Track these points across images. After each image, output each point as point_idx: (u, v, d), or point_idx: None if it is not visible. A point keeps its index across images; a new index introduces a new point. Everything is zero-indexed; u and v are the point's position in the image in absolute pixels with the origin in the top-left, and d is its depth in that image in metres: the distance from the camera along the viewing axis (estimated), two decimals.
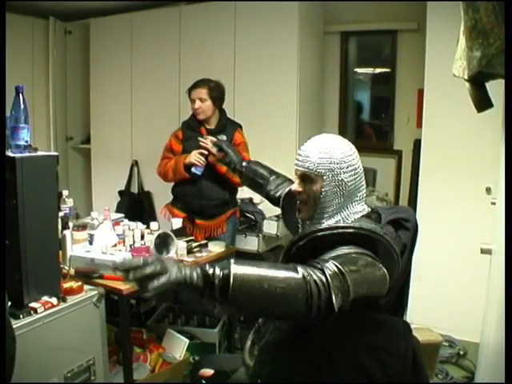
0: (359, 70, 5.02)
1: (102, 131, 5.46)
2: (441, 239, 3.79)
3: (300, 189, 1.69)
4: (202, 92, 3.55)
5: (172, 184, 3.73)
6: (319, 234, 1.52)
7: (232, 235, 3.82)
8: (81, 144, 5.85)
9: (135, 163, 5.18)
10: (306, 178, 1.66)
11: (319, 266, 1.37)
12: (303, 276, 1.32)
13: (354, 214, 1.66)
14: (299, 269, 1.35)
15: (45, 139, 5.42)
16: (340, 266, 1.37)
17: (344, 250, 1.46)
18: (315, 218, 1.68)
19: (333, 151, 1.64)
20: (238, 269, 1.32)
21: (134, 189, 5.20)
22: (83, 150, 5.83)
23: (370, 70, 5.00)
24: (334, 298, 1.31)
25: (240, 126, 3.72)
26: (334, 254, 1.45)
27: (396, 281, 1.56)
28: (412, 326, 1.68)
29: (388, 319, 1.59)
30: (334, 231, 1.52)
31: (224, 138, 3.55)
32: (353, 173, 1.65)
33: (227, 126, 3.64)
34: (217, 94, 3.60)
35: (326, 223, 1.65)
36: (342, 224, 1.59)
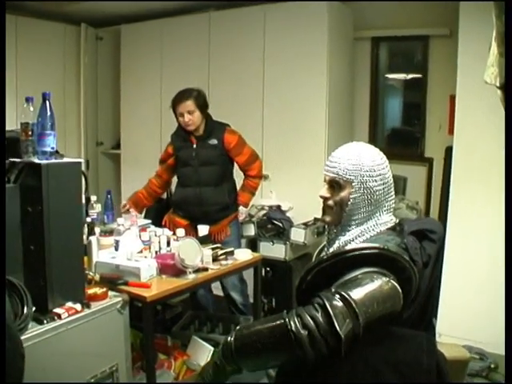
0: (390, 76, 4.97)
1: (132, 137, 5.50)
2: (472, 250, 3.70)
3: (327, 194, 1.69)
4: (189, 105, 3.57)
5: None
6: (324, 264, 1.54)
7: (237, 238, 3.85)
8: (111, 149, 5.92)
9: None
10: (334, 183, 1.66)
11: (317, 301, 1.40)
12: (285, 325, 1.39)
13: (380, 224, 1.65)
14: (285, 317, 1.42)
15: (75, 144, 5.49)
16: (342, 292, 1.38)
17: (351, 274, 1.47)
18: (342, 224, 1.68)
19: (363, 159, 1.63)
20: (238, 330, 1.52)
21: (163, 194, 5.22)
22: (113, 155, 5.89)
23: (401, 76, 4.94)
24: (337, 326, 1.33)
25: (228, 126, 3.72)
26: (340, 281, 1.46)
27: (419, 293, 1.54)
28: (439, 341, 1.63)
29: (408, 333, 1.55)
30: (339, 257, 1.52)
31: (215, 141, 3.56)
32: (382, 182, 1.64)
33: (215, 130, 3.65)
34: (202, 101, 3.63)
35: (353, 232, 1.65)
36: (347, 247, 1.58)
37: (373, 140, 4.82)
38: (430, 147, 4.63)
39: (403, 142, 4.95)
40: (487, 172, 3.65)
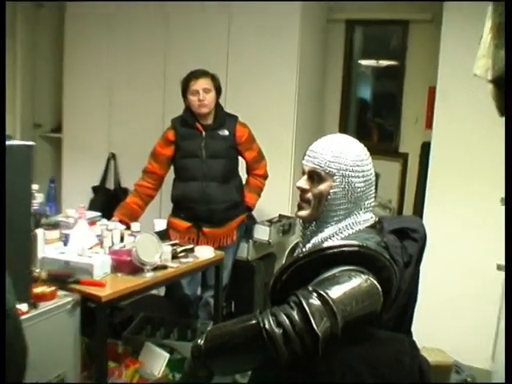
0: (364, 63, 5.05)
1: (76, 119, 5.41)
2: (450, 254, 3.78)
3: (306, 186, 1.72)
4: (207, 82, 3.55)
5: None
6: (300, 262, 1.60)
7: (238, 244, 3.89)
8: (50, 132, 5.82)
9: (112, 156, 5.18)
10: (314, 175, 1.70)
11: (293, 299, 1.46)
12: (258, 323, 1.45)
13: (359, 222, 1.69)
14: (259, 315, 1.47)
15: (9, 125, 5.36)
16: (320, 290, 1.45)
17: (329, 272, 1.53)
18: (320, 220, 1.72)
19: (347, 152, 1.68)
20: (208, 332, 1.59)
21: (110, 185, 5.19)
22: (53, 140, 5.79)
23: (376, 63, 5.02)
24: (314, 324, 1.39)
25: (238, 117, 3.74)
26: (317, 279, 1.52)
27: (399, 294, 1.61)
28: (420, 346, 1.72)
29: (389, 335, 1.62)
30: (316, 255, 1.58)
31: (226, 133, 3.58)
32: (364, 179, 1.68)
33: (226, 121, 3.66)
34: (218, 84, 3.63)
35: (331, 229, 1.69)
36: (324, 244, 1.65)
37: (343, 132, 4.88)
38: (405, 142, 4.74)
39: (376, 135, 5.06)
40: (467, 170, 3.75)
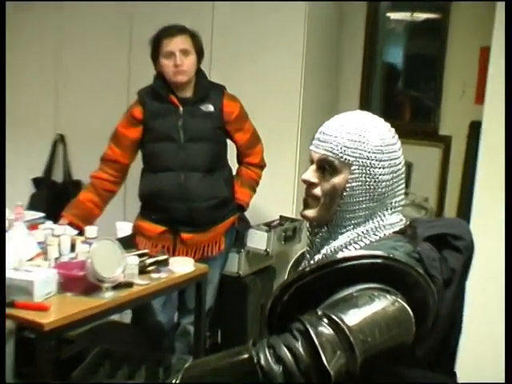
0: (394, 16, 5.05)
1: (11, 90, 5.38)
2: (503, 265, 3.77)
3: (314, 180, 1.71)
4: (185, 42, 3.55)
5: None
6: (307, 278, 1.59)
7: (227, 254, 3.90)
8: None
9: (60, 139, 5.19)
10: (325, 165, 1.68)
11: (297, 327, 1.45)
12: (252, 358, 1.44)
13: (385, 226, 1.69)
14: (252, 348, 1.47)
15: None
16: (332, 315, 1.43)
17: (344, 291, 1.52)
18: (334, 224, 1.71)
19: (369, 134, 1.66)
20: (186, 370, 1.58)
21: (58, 176, 5.19)
22: None
23: (410, 17, 5.01)
24: (324, 359, 1.38)
25: (225, 88, 3.73)
26: (329, 301, 1.52)
27: (438, 321, 1.60)
28: None
29: (426, 375, 1.63)
30: (328, 269, 1.58)
31: (210, 108, 3.57)
32: (391, 170, 1.67)
33: (210, 92, 3.65)
34: (200, 45, 3.63)
35: (347, 235, 1.69)
36: (339, 255, 1.63)
37: (365, 108, 4.83)
38: (448, 121, 4.75)
39: (409, 112, 5.09)
40: None
